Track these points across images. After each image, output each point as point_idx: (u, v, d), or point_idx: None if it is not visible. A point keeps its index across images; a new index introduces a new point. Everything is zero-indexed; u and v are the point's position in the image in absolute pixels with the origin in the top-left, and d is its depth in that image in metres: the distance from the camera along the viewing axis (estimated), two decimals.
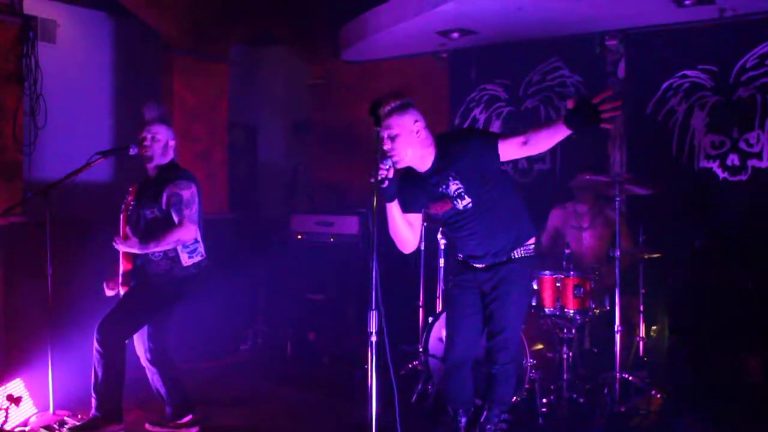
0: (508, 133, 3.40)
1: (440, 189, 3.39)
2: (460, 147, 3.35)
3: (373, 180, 3.02)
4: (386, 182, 3.10)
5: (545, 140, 3.20)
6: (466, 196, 3.36)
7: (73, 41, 6.33)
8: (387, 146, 3.25)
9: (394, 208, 3.31)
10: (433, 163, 3.38)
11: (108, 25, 6.59)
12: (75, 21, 6.35)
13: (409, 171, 3.44)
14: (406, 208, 3.40)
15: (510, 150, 3.29)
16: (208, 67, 6.73)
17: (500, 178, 3.44)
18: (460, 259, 3.65)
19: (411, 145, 3.28)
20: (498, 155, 3.28)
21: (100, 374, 3.97)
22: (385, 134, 3.25)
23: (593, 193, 5.15)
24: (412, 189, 3.43)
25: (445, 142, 3.40)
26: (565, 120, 3.09)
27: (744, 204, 5.28)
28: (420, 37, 6.25)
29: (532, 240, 3.55)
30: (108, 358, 3.95)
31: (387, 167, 3.10)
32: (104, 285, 4.23)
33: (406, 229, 3.37)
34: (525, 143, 3.23)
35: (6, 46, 5.01)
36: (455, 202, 3.38)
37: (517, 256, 3.48)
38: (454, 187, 3.35)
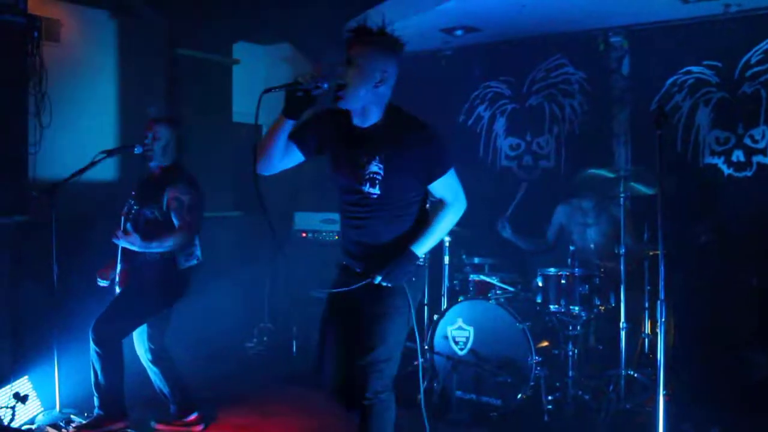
0: (448, 179, 2.92)
1: (362, 158, 2.85)
2: (413, 141, 2.83)
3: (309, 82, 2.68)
4: (317, 90, 2.71)
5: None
6: (378, 187, 2.84)
7: (78, 40, 6.33)
8: (341, 70, 2.79)
9: (286, 125, 2.87)
10: (373, 127, 2.87)
11: (112, 23, 6.58)
12: (79, 20, 6.35)
13: (340, 112, 2.91)
14: (298, 135, 2.92)
15: (438, 192, 2.94)
16: (213, 65, 6.73)
17: (419, 201, 2.97)
18: (342, 261, 3.11)
19: (365, 87, 2.81)
20: (433, 183, 2.90)
21: (98, 372, 4.00)
22: (348, 55, 2.84)
23: (598, 189, 5.14)
24: (328, 129, 2.94)
25: (400, 119, 2.87)
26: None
27: (749, 200, 5.28)
28: (424, 35, 6.25)
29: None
30: (105, 356, 3.97)
31: (325, 85, 2.72)
32: (97, 275, 4.26)
33: (278, 148, 2.94)
34: (443, 203, 2.95)
35: (11, 46, 5.01)
36: (365, 184, 2.84)
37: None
38: (374, 168, 2.82)
